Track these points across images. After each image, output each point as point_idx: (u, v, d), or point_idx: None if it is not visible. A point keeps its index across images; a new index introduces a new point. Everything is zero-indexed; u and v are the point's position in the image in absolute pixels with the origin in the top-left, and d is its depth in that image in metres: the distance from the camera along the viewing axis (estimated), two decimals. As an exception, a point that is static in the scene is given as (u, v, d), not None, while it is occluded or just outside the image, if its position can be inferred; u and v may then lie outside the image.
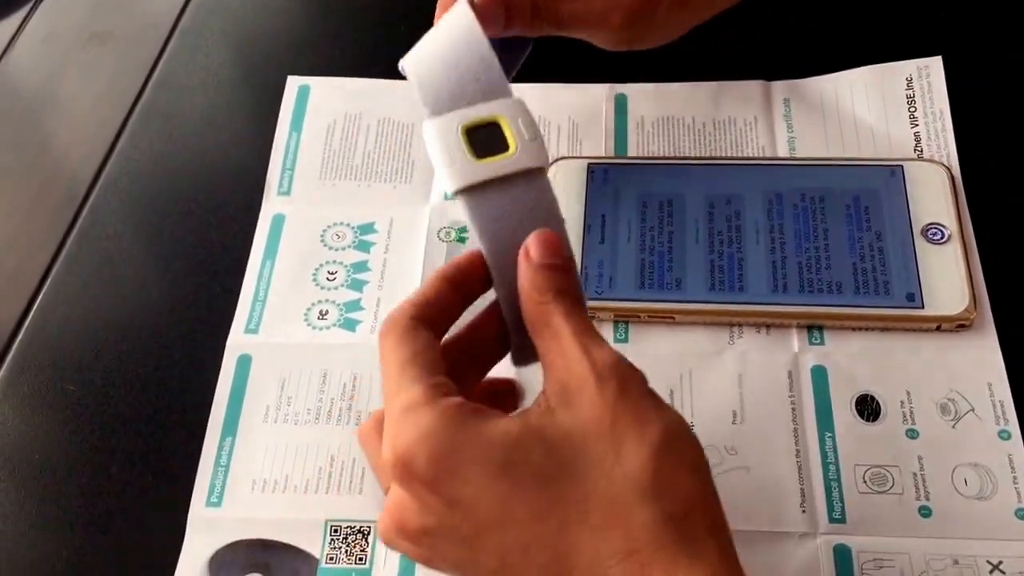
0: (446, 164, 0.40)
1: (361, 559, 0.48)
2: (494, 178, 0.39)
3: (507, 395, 0.43)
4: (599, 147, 0.61)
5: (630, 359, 0.53)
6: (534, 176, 0.40)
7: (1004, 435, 0.50)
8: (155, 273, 0.58)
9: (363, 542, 0.48)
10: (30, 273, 0.58)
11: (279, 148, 0.63)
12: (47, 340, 0.55)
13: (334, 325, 0.55)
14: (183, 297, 0.56)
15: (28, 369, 0.54)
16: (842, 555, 0.47)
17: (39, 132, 0.67)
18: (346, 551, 0.48)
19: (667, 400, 0.52)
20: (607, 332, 0.54)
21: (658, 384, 0.52)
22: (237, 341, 0.55)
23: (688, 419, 0.51)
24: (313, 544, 0.48)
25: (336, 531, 0.48)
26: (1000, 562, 0.46)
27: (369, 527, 0.48)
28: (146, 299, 0.57)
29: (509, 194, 0.39)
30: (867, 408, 0.51)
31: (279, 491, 0.50)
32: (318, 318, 0.55)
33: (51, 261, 0.59)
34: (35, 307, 0.57)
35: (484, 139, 0.40)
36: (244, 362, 0.54)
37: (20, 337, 0.55)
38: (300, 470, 0.50)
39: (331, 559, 0.48)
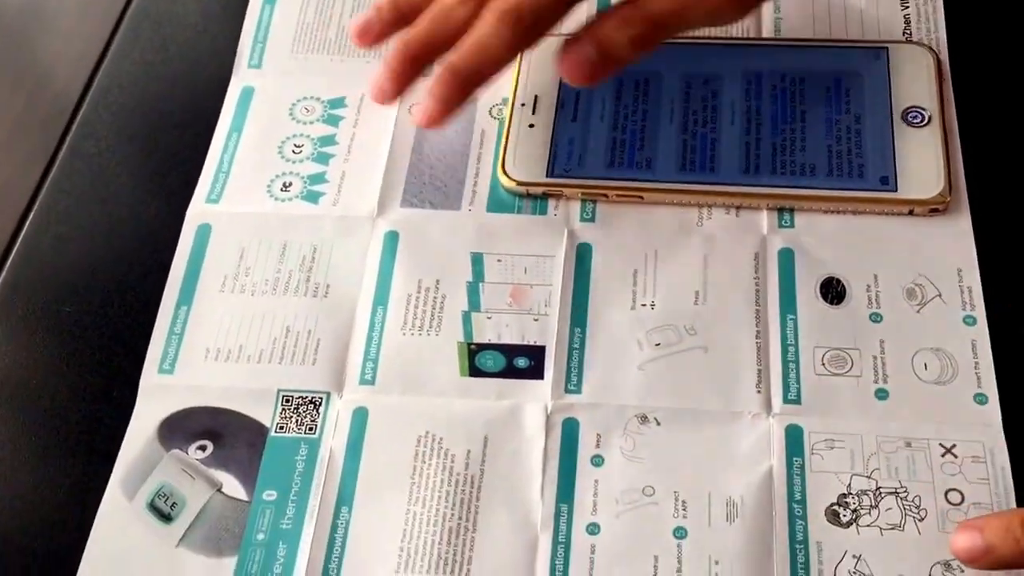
0: None
1: (311, 429, 0.48)
2: None
3: None
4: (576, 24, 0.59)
5: (596, 239, 0.52)
6: None
7: (969, 320, 0.49)
8: (151, 188, 0.56)
9: (314, 412, 0.48)
10: (19, 192, 0.56)
11: (252, 20, 0.61)
12: (40, 261, 0.53)
13: (297, 197, 0.54)
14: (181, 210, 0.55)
15: (21, 291, 0.52)
16: (793, 435, 0.46)
17: (24, 43, 0.65)
18: (296, 421, 0.48)
19: (630, 281, 0.51)
20: (574, 210, 0.53)
21: (623, 263, 0.52)
22: (198, 211, 0.54)
23: (650, 299, 0.50)
24: (264, 413, 0.48)
25: (287, 401, 0.48)
26: (953, 445, 0.46)
27: (321, 398, 0.48)
28: (144, 216, 0.55)
29: None
30: (832, 291, 0.50)
31: (232, 360, 0.49)
32: (281, 190, 0.55)
33: (41, 179, 0.57)
34: (26, 227, 0.55)
35: None
36: (203, 231, 0.53)
37: (11, 258, 0.53)
38: (254, 340, 0.50)
39: (281, 428, 0.48)
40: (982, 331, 0.48)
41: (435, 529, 0.45)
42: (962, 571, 0.43)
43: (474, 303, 0.51)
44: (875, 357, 0.48)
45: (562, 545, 0.44)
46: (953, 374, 0.48)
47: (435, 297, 0.51)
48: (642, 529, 0.44)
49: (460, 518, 0.45)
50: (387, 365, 0.49)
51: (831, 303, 0.50)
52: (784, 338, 0.49)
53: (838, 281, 0.51)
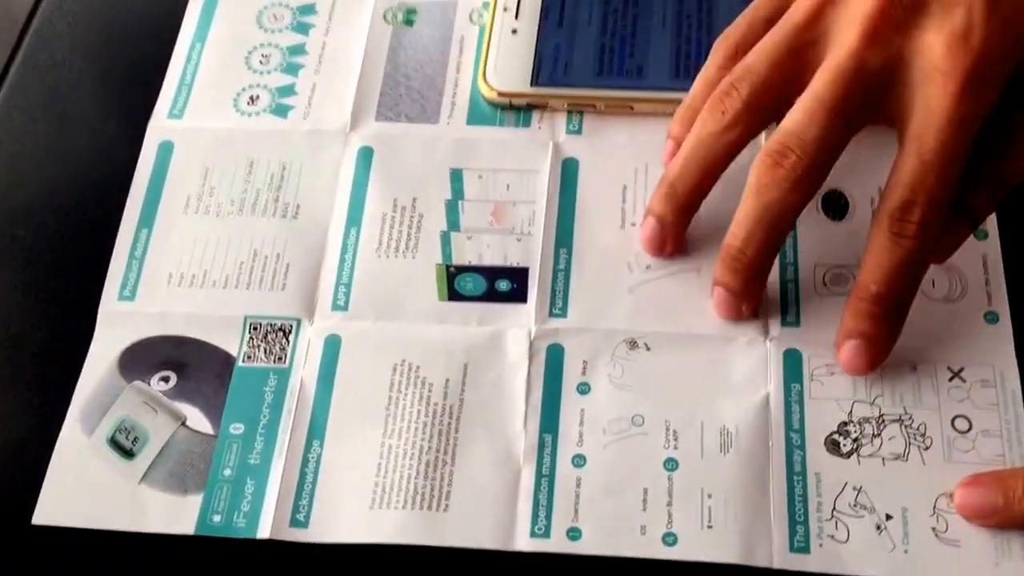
0: None
1: (280, 358, 0.45)
2: None
3: None
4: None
5: (583, 152, 0.49)
6: None
7: (980, 235, 0.46)
8: (110, 103, 0.53)
9: (283, 340, 0.45)
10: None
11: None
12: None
13: (264, 111, 0.51)
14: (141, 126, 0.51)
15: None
16: (792, 360, 0.44)
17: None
18: (265, 349, 0.45)
19: (620, 198, 0.48)
20: (560, 123, 0.50)
21: (611, 179, 0.49)
22: (159, 127, 0.51)
23: (640, 217, 0.47)
24: (230, 342, 0.45)
25: (255, 329, 0.45)
26: (961, 369, 0.43)
27: (291, 325, 0.46)
28: (102, 132, 0.52)
29: None
30: (834, 205, 0.47)
31: (197, 286, 0.47)
32: (248, 103, 0.51)
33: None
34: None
35: None
36: (165, 149, 0.50)
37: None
38: (220, 264, 0.47)
39: (249, 358, 0.45)
40: (993, 246, 0.46)
41: (412, 462, 0.42)
42: (969, 502, 0.40)
43: (453, 223, 0.48)
44: (879, 276, 0.45)
45: (546, 478, 0.42)
46: (962, 291, 0.45)
47: (411, 217, 0.48)
48: (631, 460, 0.42)
49: (438, 450, 0.43)
50: (361, 290, 0.46)
51: (833, 218, 0.47)
52: (783, 255, 0.46)
53: (841, 194, 0.47)
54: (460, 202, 0.48)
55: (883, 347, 0.42)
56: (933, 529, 0.40)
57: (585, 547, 0.40)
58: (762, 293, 0.44)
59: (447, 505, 0.41)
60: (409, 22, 0.54)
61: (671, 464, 0.42)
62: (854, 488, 0.41)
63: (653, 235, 0.46)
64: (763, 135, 0.46)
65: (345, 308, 0.46)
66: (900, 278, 0.41)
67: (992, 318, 0.44)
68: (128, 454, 0.43)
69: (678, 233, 0.46)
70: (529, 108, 0.50)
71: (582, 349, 0.44)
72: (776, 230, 0.42)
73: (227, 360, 0.45)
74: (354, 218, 0.48)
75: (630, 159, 0.49)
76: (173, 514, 0.42)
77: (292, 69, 0.52)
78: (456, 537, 0.41)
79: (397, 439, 0.43)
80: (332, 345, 0.45)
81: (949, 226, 0.42)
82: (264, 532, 0.41)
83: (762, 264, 0.43)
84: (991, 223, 0.46)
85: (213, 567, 0.41)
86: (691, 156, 0.44)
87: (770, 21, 0.43)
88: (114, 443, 0.43)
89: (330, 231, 0.48)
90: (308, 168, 0.49)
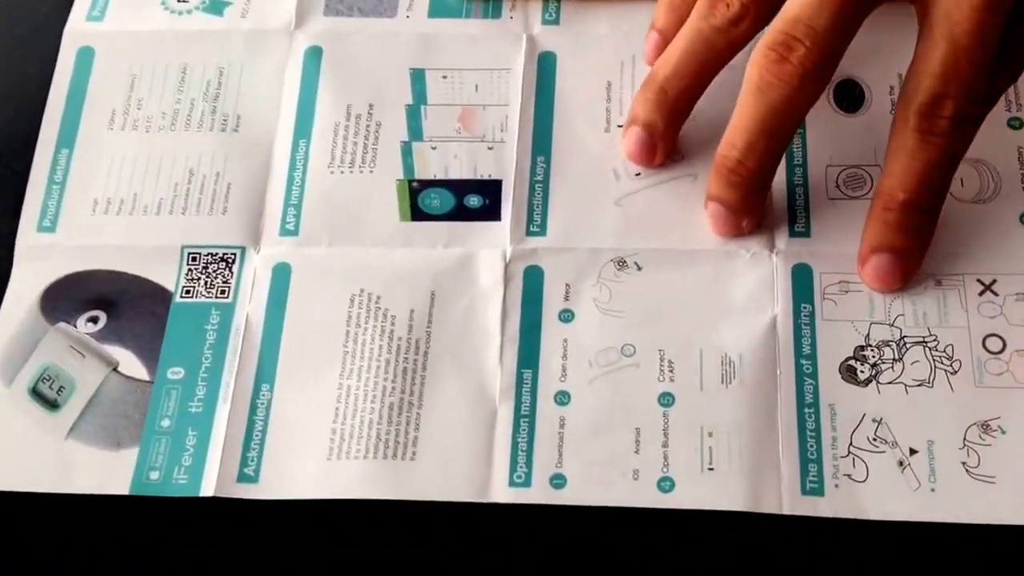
0: None
1: (223, 292, 0.40)
2: None
3: None
4: None
5: (561, 45, 0.43)
6: None
7: (1015, 124, 0.40)
8: (19, 3, 0.47)
9: (226, 272, 0.40)
10: None
11: None
12: None
13: (197, 9, 0.45)
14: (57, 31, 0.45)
15: None
16: (801, 277, 0.38)
17: None
18: (205, 283, 0.40)
19: (604, 96, 0.43)
20: (534, 11, 0.44)
21: (594, 74, 0.43)
22: (77, 31, 0.45)
23: (625, 115, 0.41)
24: (166, 275, 0.40)
25: (194, 259, 0.40)
26: (994, 281, 0.38)
27: (233, 254, 0.40)
28: (12, 38, 0.46)
29: None
30: (848, 96, 0.42)
31: (126, 212, 0.41)
32: (178, 0, 0.45)
33: None
34: None
35: None
36: (85, 56, 0.44)
37: None
38: (152, 187, 0.42)
39: (188, 292, 0.40)
40: (1034, 137, 0.40)
41: (373, 406, 0.37)
42: (1004, 433, 0.36)
43: (415, 131, 0.42)
44: (899, 176, 0.39)
45: (525, 419, 0.37)
46: (995, 190, 0.39)
47: (368, 125, 0.42)
48: (621, 396, 0.37)
49: (403, 391, 0.38)
50: (312, 211, 0.41)
51: (847, 111, 0.41)
52: (790, 156, 0.41)
53: (855, 83, 0.42)
54: (422, 107, 0.42)
55: (915, 259, 0.37)
56: (963, 464, 0.35)
57: (570, 496, 0.36)
58: (765, 206, 0.39)
59: (414, 453, 0.37)
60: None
61: (666, 399, 0.37)
62: (873, 420, 0.36)
63: (640, 146, 0.40)
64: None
65: (295, 232, 0.41)
66: (931, 182, 0.36)
67: (1029, 220, 0.39)
68: (53, 405, 0.38)
69: (669, 142, 0.40)
70: (499, -5, 0.44)
71: (564, 271, 0.39)
72: (781, 135, 0.37)
73: (163, 296, 0.40)
74: (303, 129, 0.42)
75: (615, 51, 0.43)
76: (105, 472, 0.37)
77: (229, -40, 0.46)
78: (425, 489, 0.36)
79: (356, 380, 0.38)
80: (281, 275, 0.40)
81: None
82: (208, 489, 0.37)
83: (765, 175, 0.38)
84: (1027, 112, 0.40)
85: (151, 531, 0.36)
86: (686, 52, 0.38)
87: None
88: (36, 394, 0.38)
89: (276, 145, 0.42)
90: (249, 73, 0.44)
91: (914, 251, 0.37)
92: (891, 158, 0.36)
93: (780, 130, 0.37)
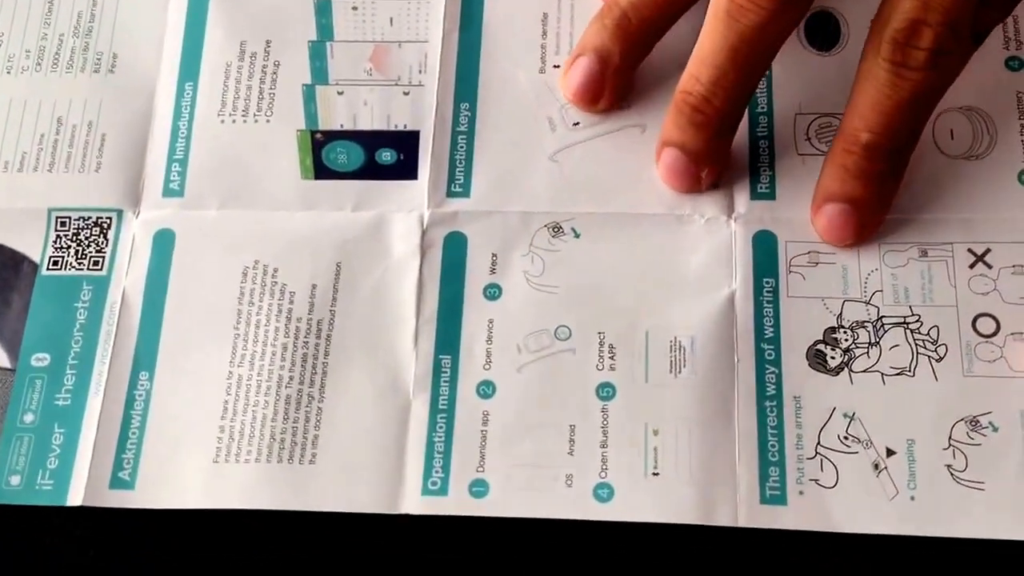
0: None
1: (96, 263, 0.34)
2: None
3: None
4: None
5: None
6: None
7: (1014, 65, 0.35)
8: None
9: (100, 239, 0.35)
10: None
11: None
12: None
13: (67, -71, 0.39)
14: None
15: None
16: (764, 246, 0.33)
17: None
18: (76, 252, 0.34)
19: (539, 30, 0.37)
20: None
21: (528, 5, 0.37)
22: (-74, -44, 0.38)
23: (565, 56, 0.35)
24: (30, 243, 0.35)
25: (63, 224, 0.35)
26: (987, 251, 0.33)
27: (109, 218, 0.35)
28: None
29: None
30: (821, 32, 0.36)
31: (-19, 170, 0.35)
32: (45, -81, 0.39)
33: None
34: None
35: None
36: (-66, -14, 0.38)
37: None
38: (12, 139, 0.36)
39: (55, 263, 0.34)
40: (1034, 80, 0.34)
41: (268, 400, 0.32)
42: (995, 430, 0.31)
43: (319, 73, 0.36)
44: (880, 126, 0.34)
45: (443, 414, 0.32)
46: (990, 144, 0.34)
47: (265, 66, 0.36)
48: (554, 387, 0.32)
49: (302, 382, 0.32)
50: (200, 168, 0.35)
51: (820, 49, 0.36)
52: (752, 102, 0.35)
53: (830, 16, 0.36)
54: (328, 44, 0.37)
55: (875, 213, 0.33)
56: (948, 467, 0.31)
57: (493, 506, 0.31)
58: (729, 155, 0.34)
59: (313, 456, 0.32)
60: None
61: (606, 391, 0.32)
62: (845, 415, 0.31)
63: (588, 79, 0.34)
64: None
65: (180, 193, 0.35)
66: (901, 124, 0.31)
67: (1028, 179, 0.33)
68: None
69: (622, 81, 0.34)
70: (418, -89, 0.38)
71: (490, 239, 0.34)
72: (753, 69, 0.32)
73: (26, 267, 0.34)
74: (189, 71, 0.37)
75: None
76: (-46, 480, 0.32)
77: None
78: (325, 499, 0.31)
79: (249, 368, 0.33)
80: (163, 243, 0.34)
81: None
82: (76, 497, 0.32)
83: (733, 117, 0.33)
84: (1029, 49, 0.35)
85: (11, 546, 0.31)
86: None
87: None
88: None
89: (158, 90, 0.36)
90: (126, 5, 0.38)
91: (875, 203, 0.32)
92: (857, 92, 0.31)
93: (753, 63, 0.31)
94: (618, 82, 0.34)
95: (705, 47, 0.31)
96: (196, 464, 0.32)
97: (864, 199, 0.32)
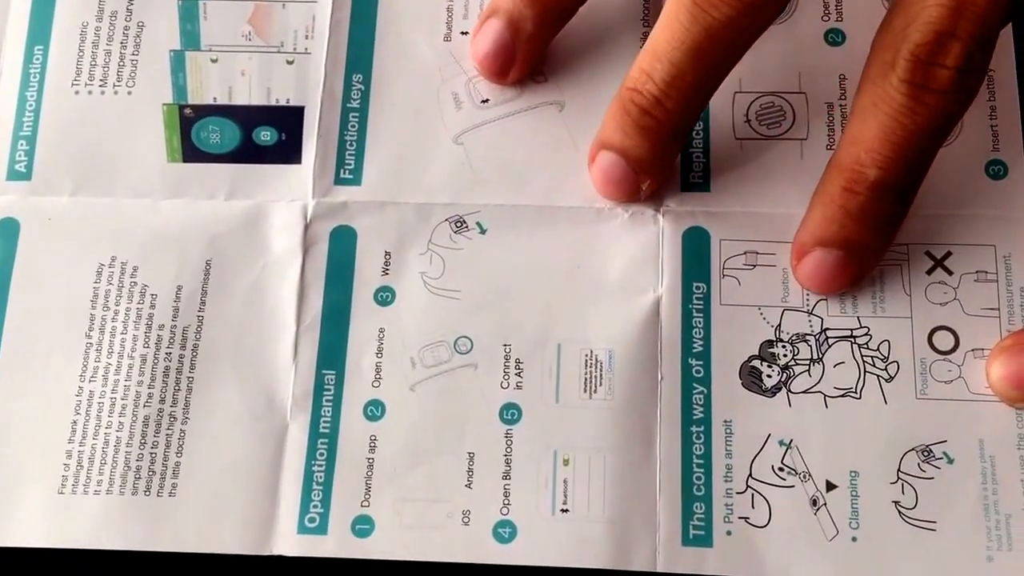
0: None
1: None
2: None
3: None
4: None
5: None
6: None
7: (984, 41, 0.30)
8: None
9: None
10: None
11: None
12: None
13: None
14: None
15: None
16: (695, 245, 0.29)
17: None
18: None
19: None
20: None
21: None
22: None
23: (473, 20, 0.31)
24: None
25: None
26: (947, 254, 0.29)
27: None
28: None
29: None
30: (767, -4, 0.31)
31: None
32: None
33: None
34: None
35: None
36: None
37: None
38: None
39: None
40: (1005, 58, 0.30)
41: (123, 420, 0.28)
42: (950, 462, 0.27)
43: (190, 37, 0.31)
44: (830, 105, 0.30)
45: (324, 439, 0.28)
46: (957, 130, 0.30)
47: (127, 28, 0.32)
48: (451, 408, 0.28)
49: (163, 400, 0.28)
50: (50, 147, 0.31)
51: (765, 16, 0.31)
52: (687, 77, 0.30)
53: (778, -22, 0.31)
54: (201, 3, 0.32)
55: (873, 259, 0.28)
56: (896, 504, 0.27)
57: (379, 547, 0.27)
58: (674, 166, 0.29)
59: (174, 487, 0.28)
60: None
61: (511, 413, 0.28)
62: (781, 443, 0.27)
63: (497, 46, 0.30)
64: None
65: (26, 176, 0.31)
66: (917, 158, 0.26)
67: (997, 170, 0.29)
68: None
69: (537, 47, 0.30)
70: None
71: (383, 234, 0.30)
72: (717, 72, 0.27)
73: None
74: (39, 33, 0.32)
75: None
76: None
77: None
78: (187, 537, 0.27)
79: (102, 383, 0.28)
80: (5, 234, 0.30)
81: None
82: None
83: (686, 123, 0.28)
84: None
85: None
86: None
87: None
88: None
89: (1, 54, 0.31)
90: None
91: (876, 249, 0.28)
92: (861, 118, 0.26)
93: (716, 64, 0.27)
94: (531, 52, 0.30)
95: (661, 40, 0.27)
96: (38, 496, 0.28)
97: (865, 245, 0.27)
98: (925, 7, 0.25)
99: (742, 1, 0.25)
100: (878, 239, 0.27)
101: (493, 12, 0.30)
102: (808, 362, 0.28)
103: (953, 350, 0.28)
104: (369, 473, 0.28)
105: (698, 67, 0.26)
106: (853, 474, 0.27)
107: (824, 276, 0.27)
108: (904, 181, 0.26)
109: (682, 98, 0.27)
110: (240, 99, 0.31)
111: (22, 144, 0.31)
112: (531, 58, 0.30)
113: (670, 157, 0.29)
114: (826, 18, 0.31)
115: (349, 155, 0.30)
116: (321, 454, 0.28)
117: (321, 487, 0.28)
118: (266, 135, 0.30)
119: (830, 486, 0.27)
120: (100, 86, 0.31)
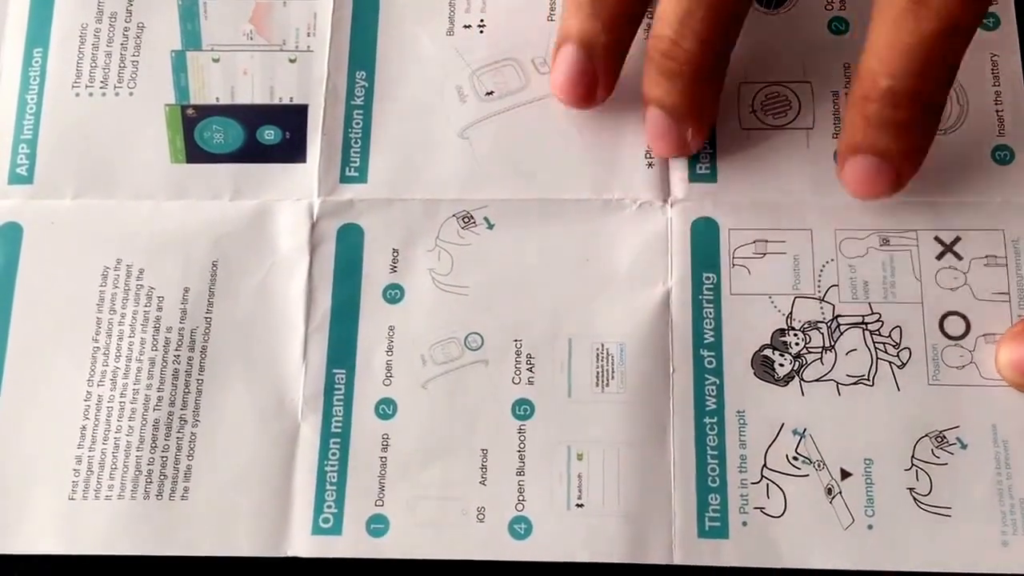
0: None
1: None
2: None
3: None
4: None
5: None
6: None
7: (988, 24, 0.30)
8: None
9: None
10: None
11: None
12: None
13: None
14: None
15: None
16: (704, 235, 0.29)
17: None
18: (-95, 252, 0.29)
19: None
20: None
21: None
22: None
23: (477, 16, 0.31)
24: None
25: None
26: (957, 239, 0.29)
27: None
28: None
29: None
30: (769, -16, 0.31)
31: None
32: None
33: None
34: None
35: None
36: None
37: None
38: None
39: None
40: (1008, 39, 0.30)
41: (132, 425, 0.28)
42: (964, 447, 0.27)
43: (190, 36, 0.31)
44: (835, 93, 0.30)
45: (336, 439, 0.28)
46: (961, 116, 0.30)
47: (126, 29, 0.31)
48: (463, 405, 0.28)
49: (173, 403, 0.28)
50: (52, 149, 0.30)
51: (767, 5, 0.31)
52: (692, 68, 0.30)
53: (780, -33, 0.31)
54: (201, 2, 0.31)
55: (909, 161, 0.27)
56: (911, 491, 0.27)
57: (394, 546, 0.27)
58: (716, 109, 0.29)
59: (186, 490, 0.27)
60: None
61: (523, 409, 0.28)
62: (795, 432, 0.27)
63: (577, 71, 0.29)
64: None
65: (28, 179, 0.30)
66: (926, 64, 0.26)
67: (1003, 156, 0.29)
68: None
69: (617, 59, 0.29)
70: None
71: (391, 231, 0.29)
72: (726, 5, 0.27)
73: None
74: (37, 35, 0.31)
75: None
76: None
77: None
78: (200, 541, 0.27)
79: (110, 387, 0.28)
80: (9, 239, 0.30)
81: None
82: (-94, 545, 0.27)
83: (710, 61, 0.28)
84: (1005, 3, 0.30)
85: None
86: None
87: None
88: None
89: (1, 57, 0.31)
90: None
91: (907, 152, 0.27)
92: (874, 28, 0.26)
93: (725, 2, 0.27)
94: (611, 66, 0.29)
95: None
96: (48, 503, 0.27)
97: (893, 150, 0.27)
98: None
99: None
100: (903, 143, 0.27)
101: (564, 40, 0.29)
102: (820, 350, 0.28)
103: (964, 335, 0.28)
104: (382, 472, 0.27)
105: (704, 3, 0.26)
106: (867, 461, 0.27)
107: (862, 181, 0.27)
108: (918, 86, 0.26)
109: (696, 37, 0.27)
110: (243, 98, 0.31)
111: (23, 147, 0.30)
112: (614, 72, 0.29)
113: (705, 101, 0.28)
114: (830, 7, 0.31)
115: (354, 152, 0.30)
116: (333, 454, 0.28)
117: (334, 487, 0.27)
118: (270, 134, 0.30)
119: (845, 474, 0.27)
120: (101, 88, 0.31)
